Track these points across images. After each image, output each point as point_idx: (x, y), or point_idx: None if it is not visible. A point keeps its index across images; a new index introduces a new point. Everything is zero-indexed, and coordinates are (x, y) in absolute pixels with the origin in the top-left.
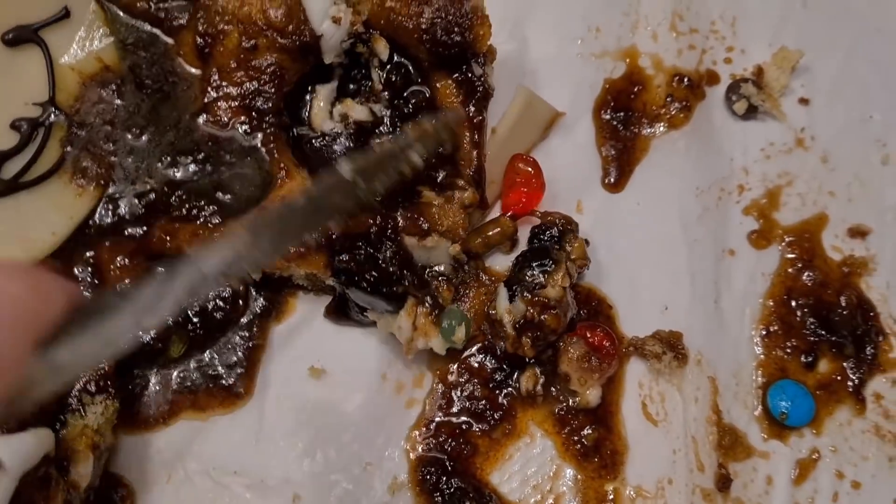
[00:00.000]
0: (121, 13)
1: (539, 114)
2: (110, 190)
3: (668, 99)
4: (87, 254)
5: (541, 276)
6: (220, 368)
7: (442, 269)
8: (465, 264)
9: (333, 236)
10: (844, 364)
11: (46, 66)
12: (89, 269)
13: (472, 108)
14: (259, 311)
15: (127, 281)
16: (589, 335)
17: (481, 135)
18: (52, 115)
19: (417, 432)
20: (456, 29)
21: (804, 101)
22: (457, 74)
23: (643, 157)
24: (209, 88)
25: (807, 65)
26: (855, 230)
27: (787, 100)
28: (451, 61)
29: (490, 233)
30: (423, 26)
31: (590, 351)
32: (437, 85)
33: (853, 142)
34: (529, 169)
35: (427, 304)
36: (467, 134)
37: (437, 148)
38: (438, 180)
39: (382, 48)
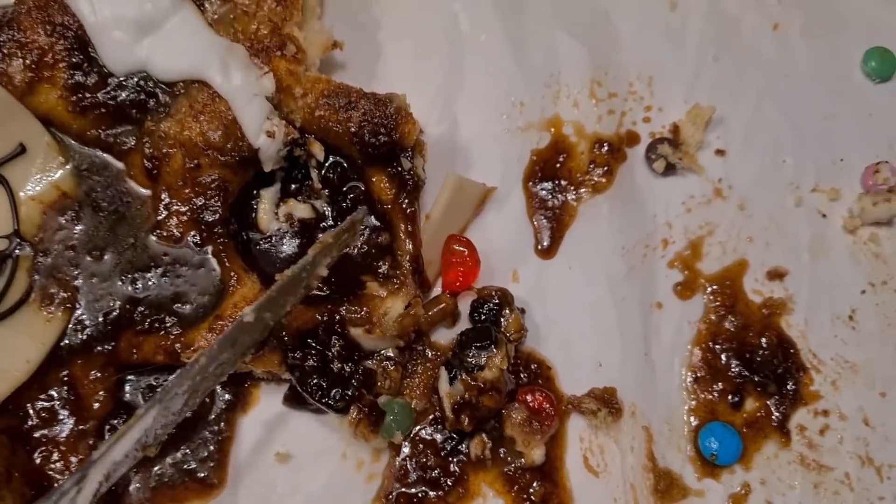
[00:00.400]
0: (73, 142)
1: (469, 194)
2: (77, 312)
3: (591, 165)
4: (62, 373)
5: (480, 357)
6: (193, 463)
7: (389, 352)
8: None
9: (285, 336)
10: (768, 401)
11: (9, 200)
12: (65, 387)
13: (406, 200)
14: (225, 405)
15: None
16: (529, 399)
17: (415, 224)
18: (18, 247)
19: None
20: (382, 129)
21: (720, 153)
22: (389, 168)
23: (572, 223)
24: (160, 206)
25: (721, 116)
26: (773, 272)
27: (704, 153)
28: (382, 157)
29: (432, 311)
30: (353, 129)
31: (531, 415)
32: (373, 179)
33: (768, 187)
34: (463, 249)
35: (365, 415)
36: (402, 224)
37: (343, 250)
38: (380, 270)
39: (318, 150)
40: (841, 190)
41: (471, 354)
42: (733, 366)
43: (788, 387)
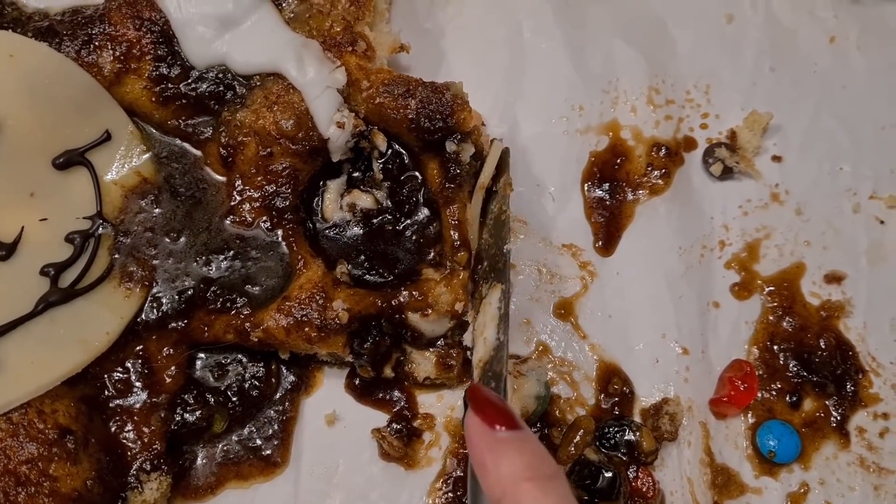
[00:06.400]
0: (154, 131)
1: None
2: (154, 290)
3: (649, 168)
4: (137, 348)
5: None
6: (258, 441)
7: (448, 339)
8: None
9: (349, 321)
10: (827, 402)
11: (93, 183)
12: (139, 360)
13: (450, 186)
14: (289, 386)
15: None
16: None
17: (460, 210)
18: (101, 227)
19: (437, 486)
20: (439, 116)
21: (777, 159)
22: (444, 157)
23: (629, 223)
24: (234, 192)
25: (778, 124)
26: (831, 276)
27: (760, 158)
28: (438, 145)
29: (574, 441)
30: (410, 116)
31: (633, 495)
32: (428, 166)
33: (825, 193)
34: (746, 376)
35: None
36: (446, 210)
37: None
38: (431, 258)
39: (381, 141)
40: None
41: None
42: (791, 366)
43: (847, 388)
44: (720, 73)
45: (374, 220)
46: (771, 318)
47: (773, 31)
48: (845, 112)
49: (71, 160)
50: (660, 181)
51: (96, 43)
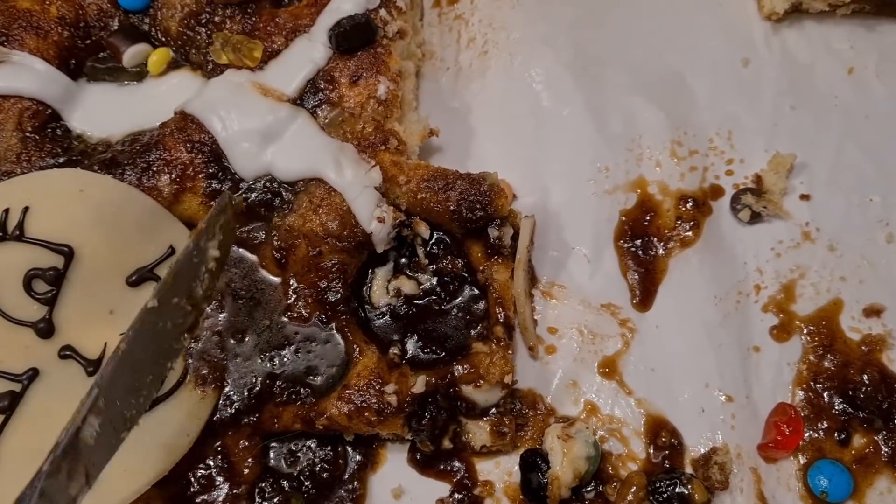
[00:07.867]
0: None
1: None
2: (226, 389)
3: (678, 221)
4: (216, 444)
5: None
6: None
7: (501, 407)
8: (518, 400)
9: (404, 402)
10: (876, 437)
11: None
12: (219, 456)
13: (493, 266)
14: (356, 465)
15: None
16: None
17: (504, 288)
18: None
19: None
20: (478, 205)
21: (805, 197)
22: (486, 240)
23: (664, 277)
24: (289, 291)
25: (803, 162)
26: (870, 310)
27: (788, 198)
28: (479, 230)
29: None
30: (451, 208)
31: None
32: (472, 249)
33: (857, 226)
34: (791, 420)
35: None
36: (492, 287)
37: (229, 228)
38: (478, 332)
39: (423, 229)
40: None
41: None
42: (837, 403)
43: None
44: (741, 118)
45: (421, 302)
46: (812, 357)
47: (790, 69)
48: (870, 142)
49: (142, 277)
50: (689, 233)
51: (154, 169)
